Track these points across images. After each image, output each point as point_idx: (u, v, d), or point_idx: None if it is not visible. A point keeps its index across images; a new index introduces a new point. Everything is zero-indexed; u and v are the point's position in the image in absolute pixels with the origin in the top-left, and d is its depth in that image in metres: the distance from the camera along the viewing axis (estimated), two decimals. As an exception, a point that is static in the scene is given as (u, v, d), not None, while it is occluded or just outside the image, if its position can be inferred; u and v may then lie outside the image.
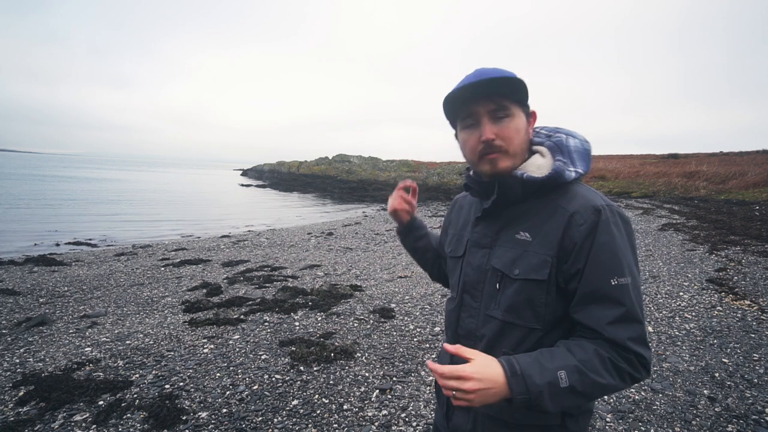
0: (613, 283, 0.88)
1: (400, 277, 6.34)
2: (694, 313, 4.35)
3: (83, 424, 2.49)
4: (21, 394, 2.83)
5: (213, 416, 2.58)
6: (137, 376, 3.09)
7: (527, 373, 0.83)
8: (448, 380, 0.82)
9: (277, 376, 3.09)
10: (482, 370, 0.82)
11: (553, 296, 0.93)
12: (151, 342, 3.73)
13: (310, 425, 2.52)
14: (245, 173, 60.49)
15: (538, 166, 0.96)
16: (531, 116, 1.00)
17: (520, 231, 0.97)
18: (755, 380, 3.00)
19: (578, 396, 0.85)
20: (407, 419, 2.59)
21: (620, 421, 2.55)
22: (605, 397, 2.79)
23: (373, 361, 3.38)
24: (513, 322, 0.96)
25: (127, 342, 3.75)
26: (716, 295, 4.89)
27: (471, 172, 1.07)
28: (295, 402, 2.76)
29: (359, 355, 3.49)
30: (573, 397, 0.84)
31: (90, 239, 10.77)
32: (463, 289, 1.07)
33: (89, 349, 3.62)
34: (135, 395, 2.80)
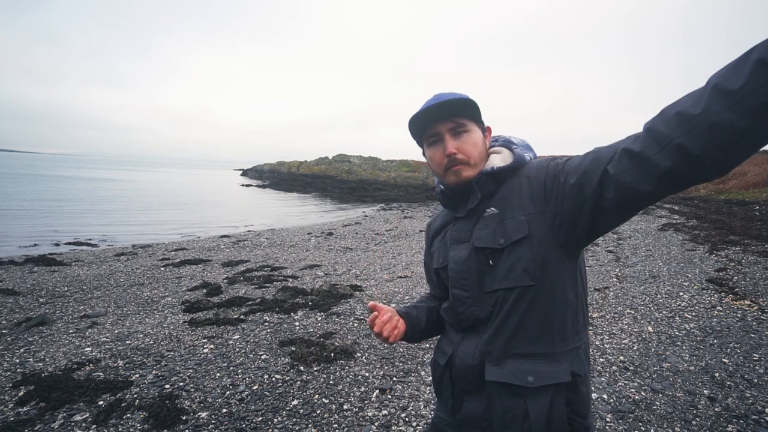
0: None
1: (401, 277, 6.34)
2: (694, 313, 4.35)
3: (83, 424, 2.49)
4: (21, 394, 2.82)
5: (213, 416, 2.58)
6: (137, 376, 3.09)
7: None
8: None
9: (277, 376, 3.09)
10: None
11: (536, 250, 1.00)
12: (151, 342, 3.73)
13: (310, 425, 2.52)
14: (245, 173, 60.50)
15: (502, 159, 1.10)
16: (486, 131, 1.14)
17: (487, 209, 1.07)
18: (755, 380, 3.00)
19: None
20: (407, 419, 2.59)
21: (620, 421, 2.55)
22: (605, 396, 2.80)
23: (373, 361, 3.38)
24: (511, 286, 1.01)
25: (127, 342, 3.75)
26: (716, 295, 4.89)
27: (441, 187, 1.16)
28: (295, 402, 2.76)
29: (359, 355, 3.49)
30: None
31: (90, 239, 10.77)
32: (453, 285, 1.11)
33: (89, 349, 3.62)
34: (135, 395, 2.80)
